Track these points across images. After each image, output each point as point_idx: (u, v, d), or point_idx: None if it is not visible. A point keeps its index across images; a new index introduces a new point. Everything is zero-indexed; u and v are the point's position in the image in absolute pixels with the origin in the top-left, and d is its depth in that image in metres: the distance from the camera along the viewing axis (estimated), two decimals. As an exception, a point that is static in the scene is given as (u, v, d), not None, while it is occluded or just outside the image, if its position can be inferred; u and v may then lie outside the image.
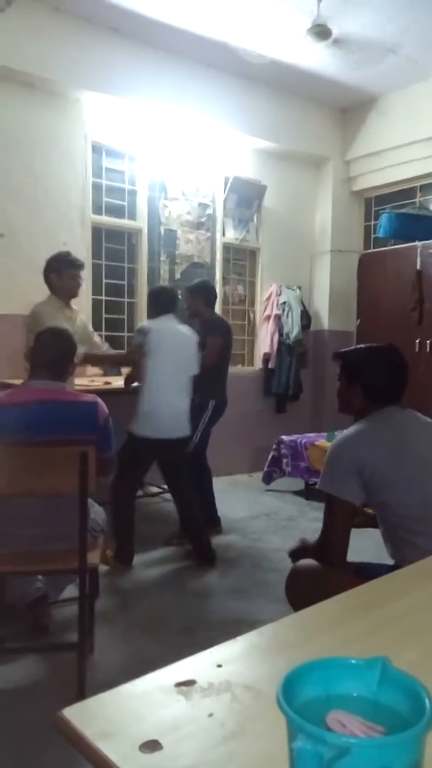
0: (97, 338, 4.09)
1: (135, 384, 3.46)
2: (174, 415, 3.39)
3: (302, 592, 1.88)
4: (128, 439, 3.37)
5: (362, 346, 2.09)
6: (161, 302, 3.56)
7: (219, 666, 0.84)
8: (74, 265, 3.72)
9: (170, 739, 0.68)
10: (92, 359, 3.97)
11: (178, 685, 0.79)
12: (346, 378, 1.98)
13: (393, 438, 1.86)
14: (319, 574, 1.89)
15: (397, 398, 1.96)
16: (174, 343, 3.45)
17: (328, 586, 1.81)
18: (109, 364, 4.35)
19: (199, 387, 3.91)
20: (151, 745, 0.66)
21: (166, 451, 3.42)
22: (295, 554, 2.10)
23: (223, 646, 0.90)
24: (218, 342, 3.84)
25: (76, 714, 0.72)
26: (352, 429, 1.91)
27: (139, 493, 4.88)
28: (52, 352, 2.39)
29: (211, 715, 0.73)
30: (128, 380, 3.53)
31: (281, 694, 0.55)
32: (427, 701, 0.55)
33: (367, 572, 1.85)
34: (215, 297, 4.14)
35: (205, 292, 4.01)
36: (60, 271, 3.67)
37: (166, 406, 3.35)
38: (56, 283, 3.68)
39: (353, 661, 0.62)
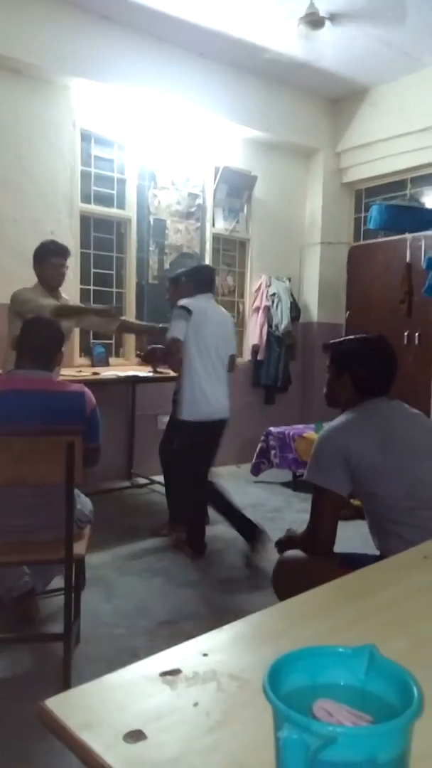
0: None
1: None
2: (218, 398, 3.41)
3: (289, 582, 1.87)
4: (179, 428, 3.41)
5: (352, 336, 2.08)
6: (200, 280, 3.50)
7: (204, 655, 0.83)
8: (55, 252, 3.63)
9: (154, 729, 0.67)
10: (127, 327, 4.03)
11: (163, 674, 0.78)
12: (336, 369, 1.97)
13: (380, 428, 1.86)
14: (306, 564, 1.89)
15: (385, 390, 1.96)
16: (214, 323, 3.41)
17: (314, 576, 1.82)
18: (145, 337, 4.36)
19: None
20: (135, 735, 0.65)
21: (212, 431, 3.44)
22: (282, 545, 2.10)
23: (208, 635, 0.89)
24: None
25: (59, 704, 0.71)
26: (339, 420, 1.91)
27: (126, 484, 4.90)
28: (39, 340, 2.37)
29: (196, 704, 0.72)
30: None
31: (267, 682, 0.54)
32: (414, 690, 0.55)
33: (353, 563, 1.85)
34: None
35: (196, 277, 3.72)
36: (42, 261, 3.62)
37: (210, 389, 3.35)
38: (39, 273, 3.64)
39: (340, 650, 0.61)
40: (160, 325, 3.84)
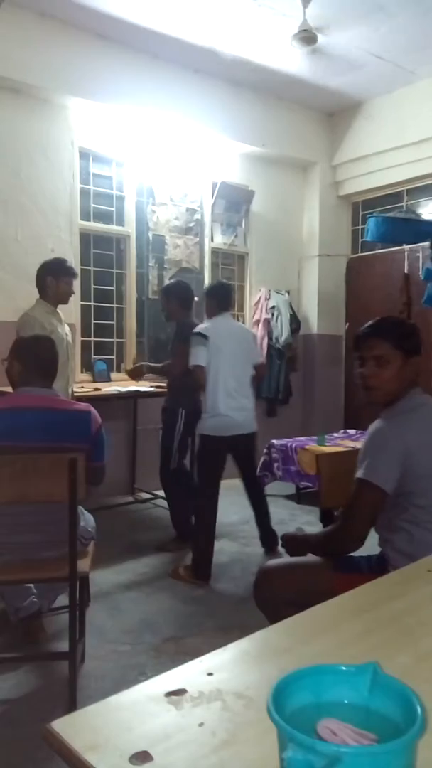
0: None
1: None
2: (243, 413, 3.51)
3: (274, 593, 1.81)
4: (203, 443, 3.47)
5: (389, 317, 1.90)
6: (219, 300, 3.60)
7: (209, 674, 0.83)
8: (71, 273, 3.72)
9: (160, 750, 0.67)
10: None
11: (168, 694, 0.78)
12: (404, 354, 1.76)
13: None
14: (294, 571, 1.85)
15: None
16: (233, 342, 3.50)
17: (306, 582, 1.79)
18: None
19: (170, 395, 3.85)
20: (141, 756, 0.65)
21: (235, 446, 3.53)
22: (291, 541, 2.00)
23: (213, 654, 0.90)
24: (184, 348, 3.48)
25: (65, 726, 0.71)
26: (393, 415, 1.77)
27: (129, 499, 4.89)
28: (42, 359, 2.37)
29: (201, 724, 0.72)
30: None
31: (271, 702, 0.54)
32: (418, 707, 0.55)
33: (346, 565, 1.84)
34: (191, 298, 3.89)
35: (177, 292, 3.83)
36: (58, 276, 3.65)
37: (233, 405, 3.45)
38: (51, 285, 3.64)
39: (344, 668, 0.62)
40: (167, 362, 3.87)
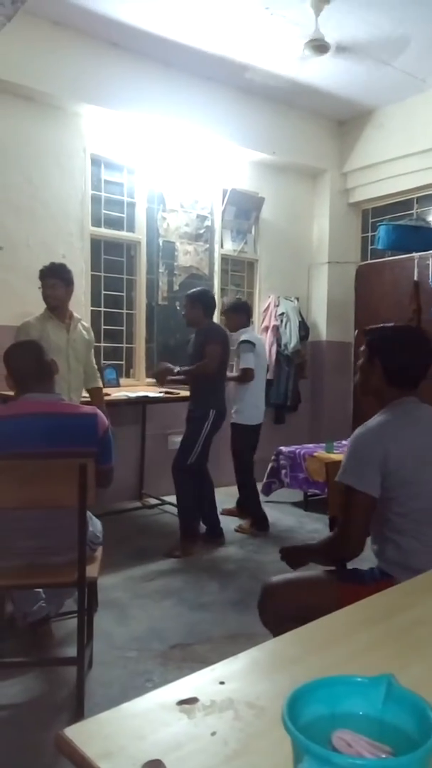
0: (92, 360, 3.99)
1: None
2: (263, 406, 4.46)
3: (279, 609, 1.80)
4: (244, 432, 4.28)
5: (391, 324, 2.02)
6: (248, 315, 4.55)
7: (221, 683, 0.83)
8: (46, 273, 3.69)
9: (173, 759, 0.67)
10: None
11: (180, 703, 0.78)
12: (369, 352, 1.90)
13: (417, 434, 1.79)
14: (299, 586, 1.85)
15: (414, 384, 1.89)
16: (262, 349, 4.53)
17: (311, 596, 1.78)
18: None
19: (198, 397, 3.91)
20: (154, 765, 0.65)
21: (259, 432, 4.43)
22: (289, 554, 2.01)
23: (224, 663, 0.90)
24: (217, 350, 3.83)
25: (77, 733, 0.71)
26: (375, 420, 1.82)
27: (137, 504, 4.90)
28: (36, 364, 2.35)
29: (214, 733, 0.72)
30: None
31: (286, 713, 0.54)
32: (433, 720, 0.55)
33: (352, 577, 1.83)
34: (214, 306, 4.13)
35: (205, 301, 4.00)
36: (41, 284, 3.70)
37: (263, 399, 4.45)
38: (41, 292, 3.70)
39: (358, 679, 0.62)
40: (199, 364, 3.92)
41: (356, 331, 6.04)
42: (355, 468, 1.76)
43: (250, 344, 4.24)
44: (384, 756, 0.54)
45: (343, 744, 0.54)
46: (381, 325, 2.00)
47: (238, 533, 4.23)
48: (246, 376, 4.23)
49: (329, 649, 0.97)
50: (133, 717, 0.76)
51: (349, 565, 1.90)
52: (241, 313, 4.42)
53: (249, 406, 4.29)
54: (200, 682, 0.84)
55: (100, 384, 4.06)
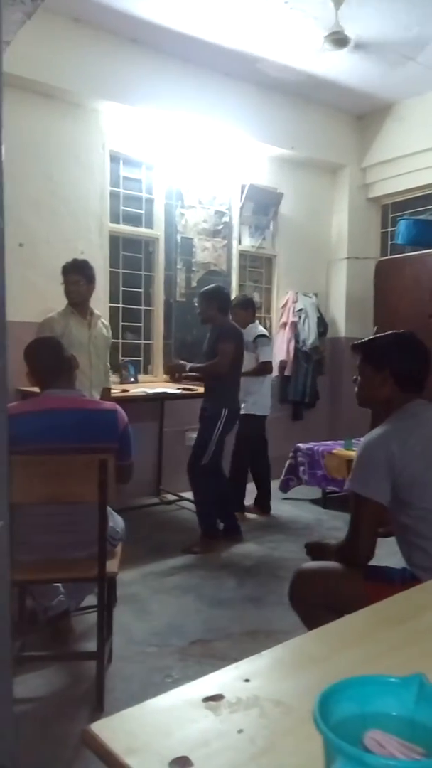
0: (108, 359, 4.01)
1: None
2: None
3: (308, 595, 1.85)
4: (256, 422, 4.49)
5: (384, 333, 2.02)
6: (254, 311, 4.68)
7: (246, 680, 0.83)
8: (68, 269, 3.73)
9: (200, 756, 0.67)
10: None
11: (206, 699, 0.78)
12: (373, 366, 1.89)
13: (427, 436, 1.79)
14: (328, 576, 1.86)
15: (423, 386, 1.90)
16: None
17: (337, 589, 1.80)
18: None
19: (211, 395, 3.90)
20: (182, 762, 0.65)
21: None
22: (312, 549, 2.05)
23: (249, 660, 0.89)
24: (230, 348, 3.81)
25: (104, 729, 0.71)
26: (382, 427, 1.83)
27: (155, 500, 4.91)
28: (57, 360, 2.37)
29: (240, 730, 0.72)
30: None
31: (318, 713, 0.54)
32: (467, 722, 0.54)
33: (379, 576, 1.82)
34: (230, 303, 4.14)
35: (220, 298, 3.97)
36: (63, 280, 3.73)
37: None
38: (63, 288, 3.73)
39: (390, 679, 0.61)
40: (211, 362, 3.93)
41: (375, 327, 5.99)
42: (361, 475, 1.77)
43: (266, 338, 4.54)
44: (417, 757, 0.53)
45: (375, 744, 0.53)
46: (371, 337, 2.02)
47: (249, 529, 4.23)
48: (265, 368, 4.48)
49: (355, 647, 0.96)
50: (159, 713, 0.76)
51: (382, 563, 1.89)
52: (248, 309, 4.57)
53: (264, 397, 4.52)
54: (225, 679, 0.83)
55: (110, 385, 4.09)
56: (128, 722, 0.73)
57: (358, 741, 0.55)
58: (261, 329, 4.63)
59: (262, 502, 4.66)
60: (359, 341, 1.99)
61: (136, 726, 0.73)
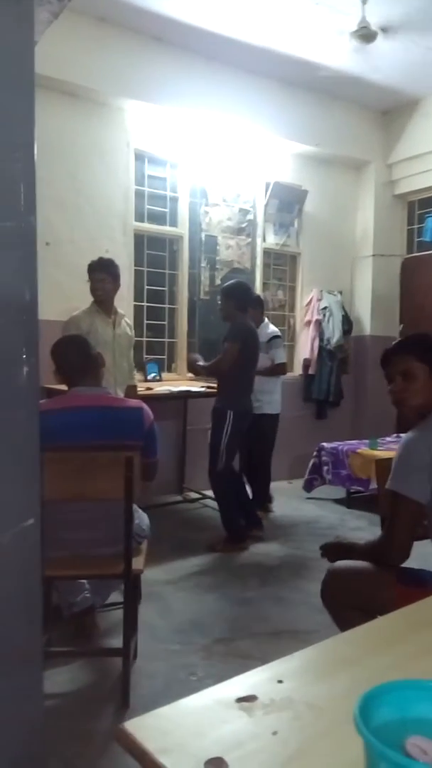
0: (132, 357, 4.01)
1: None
2: None
3: (339, 594, 1.84)
4: (273, 421, 4.46)
5: (412, 335, 1.99)
6: (263, 308, 4.63)
7: (279, 682, 0.82)
8: (94, 267, 3.75)
9: (235, 757, 0.66)
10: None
11: (240, 700, 0.77)
12: (429, 365, 1.80)
13: None
14: (360, 577, 1.84)
15: None
16: None
17: (369, 590, 1.78)
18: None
19: (220, 394, 3.89)
20: (216, 763, 0.64)
21: None
22: (328, 550, 2.03)
23: (281, 661, 0.88)
24: (234, 348, 3.69)
25: (137, 728, 0.71)
26: (423, 426, 1.79)
27: (179, 498, 4.92)
28: (84, 358, 2.39)
29: (275, 732, 0.71)
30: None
31: (359, 718, 0.52)
32: None
33: (410, 577, 1.80)
34: (248, 299, 3.95)
35: (236, 295, 3.86)
36: (89, 277, 3.75)
37: None
38: (89, 286, 3.75)
39: (431, 683, 0.59)
40: (212, 362, 3.95)
41: (401, 325, 5.93)
42: (401, 473, 1.73)
43: (281, 338, 4.56)
44: (462, 765, 0.51)
45: (418, 751, 0.52)
46: (400, 343, 1.95)
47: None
48: (281, 370, 4.52)
49: (387, 650, 0.94)
50: (192, 713, 0.75)
51: (417, 565, 1.87)
52: (257, 307, 4.39)
53: (277, 394, 4.52)
54: (258, 680, 0.82)
55: (135, 382, 4.09)
56: (161, 721, 0.73)
57: (399, 747, 0.54)
58: (274, 329, 4.59)
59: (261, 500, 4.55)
60: (392, 346, 1.93)
61: (170, 725, 0.72)
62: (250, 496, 4.29)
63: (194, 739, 0.69)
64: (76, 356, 2.38)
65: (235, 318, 3.85)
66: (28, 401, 0.97)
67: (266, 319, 4.64)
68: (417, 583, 1.76)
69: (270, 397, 4.44)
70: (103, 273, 3.73)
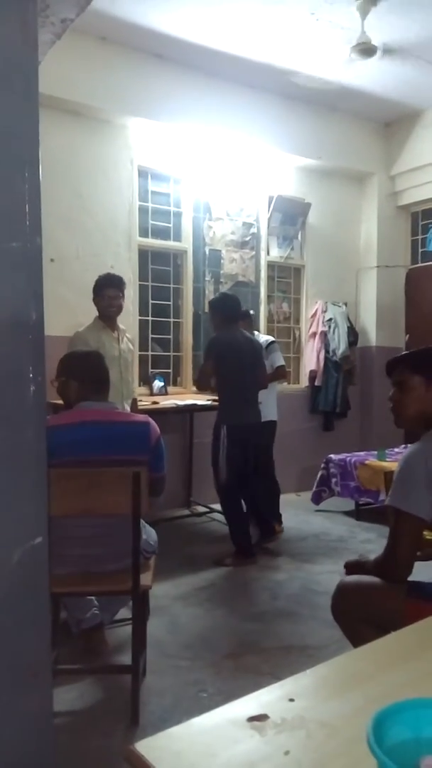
0: (133, 371, 4.05)
1: None
2: None
3: (349, 609, 1.83)
4: (275, 428, 4.36)
5: (413, 350, 2.00)
6: (251, 320, 4.44)
7: (291, 700, 0.81)
8: (107, 284, 3.76)
9: (247, 778, 0.65)
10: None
11: (251, 719, 0.76)
12: (425, 378, 1.81)
13: None
14: (369, 591, 1.82)
15: None
16: None
17: (378, 604, 1.77)
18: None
19: (218, 408, 3.91)
20: (229, 785, 0.64)
21: None
22: (351, 567, 2.03)
23: (293, 678, 0.87)
24: (206, 366, 3.77)
25: (149, 748, 0.70)
26: (423, 441, 1.80)
27: (186, 512, 4.90)
28: (95, 374, 2.40)
29: (287, 752, 0.70)
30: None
31: (372, 738, 0.52)
32: None
33: (420, 591, 1.78)
34: (234, 312, 3.91)
35: (222, 307, 3.88)
36: (97, 293, 3.77)
37: None
38: (97, 303, 3.77)
39: (446, 703, 0.58)
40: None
41: (407, 336, 5.93)
42: (401, 489, 1.73)
43: (276, 343, 4.51)
44: None
45: (433, 772, 0.51)
46: (404, 353, 1.98)
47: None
48: (281, 374, 4.42)
49: (399, 667, 0.93)
50: (203, 733, 0.74)
51: (428, 579, 1.85)
52: (245, 319, 4.22)
53: (274, 400, 4.39)
54: (269, 698, 0.81)
55: (136, 395, 4.13)
56: (173, 742, 0.72)
57: (413, 767, 0.53)
58: (267, 336, 4.59)
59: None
60: (395, 357, 1.94)
61: (181, 746, 0.71)
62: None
63: (206, 760, 0.68)
64: (95, 372, 2.40)
65: (221, 331, 3.85)
66: (36, 419, 0.98)
67: (256, 332, 4.52)
68: (428, 596, 1.75)
69: (268, 403, 4.27)
70: (116, 290, 3.77)
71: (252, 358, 3.85)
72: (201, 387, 3.85)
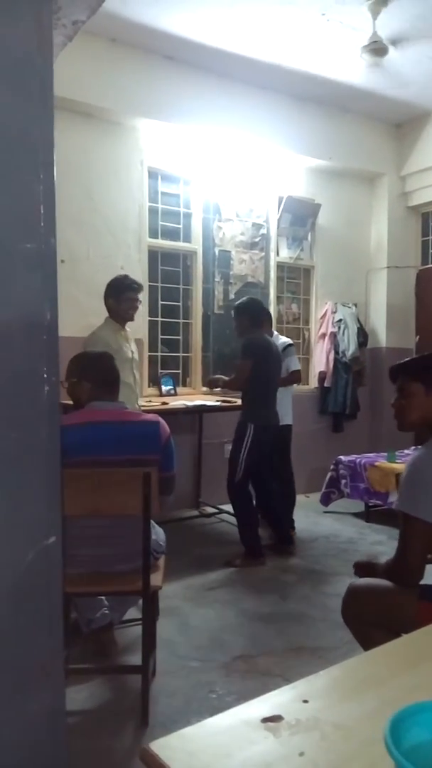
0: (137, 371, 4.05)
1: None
2: None
3: (360, 612, 1.83)
4: (290, 432, 4.31)
5: (418, 355, 2.02)
6: (271, 321, 4.39)
7: (305, 701, 0.81)
8: (131, 288, 3.78)
9: (262, 779, 0.65)
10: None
11: (265, 720, 0.76)
12: (424, 385, 1.85)
13: None
14: (380, 594, 1.82)
15: None
16: None
17: (390, 607, 1.76)
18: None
19: (243, 407, 3.95)
20: (244, 785, 0.64)
21: None
22: (361, 568, 2.03)
23: (306, 680, 0.87)
24: (246, 366, 3.78)
25: (163, 748, 0.70)
26: (429, 445, 1.81)
27: (195, 513, 4.90)
28: (107, 375, 2.42)
29: (302, 753, 0.70)
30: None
31: (390, 739, 0.52)
32: None
33: None
34: (262, 315, 4.01)
35: (251, 311, 3.92)
36: (118, 295, 3.75)
37: None
38: (114, 307, 3.76)
39: (463, 705, 0.58)
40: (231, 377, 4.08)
41: (417, 337, 5.90)
42: (410, 494, 1.74)
43: (293, 347, 4.46)
44: None
45: (451, 775, 0.51)
46: (407, 359, 2.01)
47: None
48: (297, 378, 4.39)
49: (412, 669, 0.93)
50: (218, 734, 0.74)
51: None
52: (270, 321, 4.32)
53: (289, 404, 4.35)
54: (283, 700, 0.81)
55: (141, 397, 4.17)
56: (187, 742, 0.72)
57: (431, 770, 0.53)
58: (286, 339, 4.50)
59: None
60: (397, 363, 1.97)
61: (196, 746, 0.71)
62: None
63: (221, 761, 0.68)
64: (109, 373, 2.42)
65: (249, 334, 3.88)
66: (50, 420, 0.98)
67: (275, 332, 4.56)
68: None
69: (284, 407, 4.30)
70: (137, 293, 3.80)
71: (277, 360, 3.97)
72: (242, 388, 3.87)
